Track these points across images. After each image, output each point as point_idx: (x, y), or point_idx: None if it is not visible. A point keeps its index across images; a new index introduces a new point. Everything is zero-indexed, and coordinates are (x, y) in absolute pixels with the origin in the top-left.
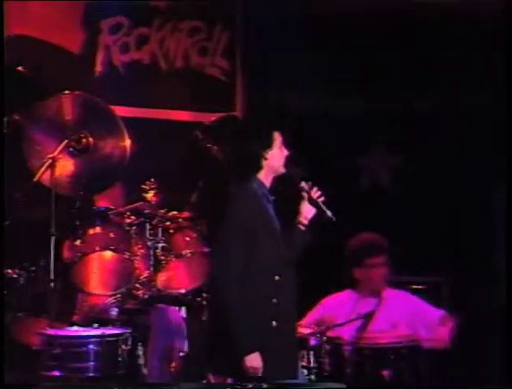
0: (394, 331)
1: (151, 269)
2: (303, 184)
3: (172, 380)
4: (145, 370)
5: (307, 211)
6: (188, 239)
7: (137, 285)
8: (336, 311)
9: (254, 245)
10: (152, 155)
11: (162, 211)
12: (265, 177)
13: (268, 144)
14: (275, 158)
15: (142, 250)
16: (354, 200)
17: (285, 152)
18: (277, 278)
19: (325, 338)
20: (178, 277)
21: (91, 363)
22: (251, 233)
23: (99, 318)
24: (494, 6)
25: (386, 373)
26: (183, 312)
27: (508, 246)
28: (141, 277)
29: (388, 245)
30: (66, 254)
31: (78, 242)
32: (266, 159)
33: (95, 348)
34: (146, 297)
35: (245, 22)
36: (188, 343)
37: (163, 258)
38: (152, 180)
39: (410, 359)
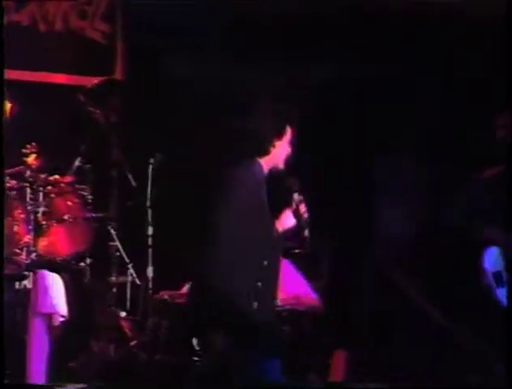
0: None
1: (32, 234)
2: (295, 195)
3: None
4: (25, 336)
5: (287, 221)
6: (70, 204)
7: (17, 250)
8: None
9: (247, 225)
10: (33, 118)
11: (43, 175)
12: (266, 164)
13: (280, 133)
14: (281, 150)
15: (22, 215)
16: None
17: (289, 150)
18: (265, 263)
19: None
20: (59, 242)
21: None
22: (244, 213)
23: None
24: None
25: None
26: (64, 277)
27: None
28: (21, 242)
29: None
30: None
31: None
32: (274, 146)
33: None
34: (26, 262)
35: None
36: (69, 308)
37: (44, 222)
38: (33, 144)
39: (291, 321)
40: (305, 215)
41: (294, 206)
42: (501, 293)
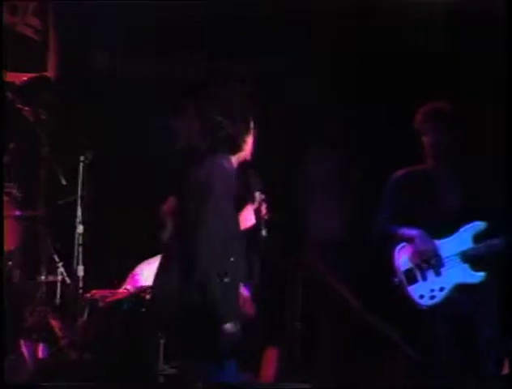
0: None
1: None
2: (257, 194)
3: None
4: None
5: (246, 219)
6: None
7: None
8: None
9: (218, 220)
10: None
11: None
12: (236, 159)
13: (249, 128)
14: (249, 144)
15: None
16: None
17: (254, 141)
18: (232, 259)
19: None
20: None
21: None
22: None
23: None
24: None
25: None
26: None
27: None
28: None
29: None
30: None
31: None
32: (245, 142)
33: None
34: None
35: None
36: None
37: None
38: None
39: None
40: (266, 216)
41: (256, 204)
42: (413, 291)
